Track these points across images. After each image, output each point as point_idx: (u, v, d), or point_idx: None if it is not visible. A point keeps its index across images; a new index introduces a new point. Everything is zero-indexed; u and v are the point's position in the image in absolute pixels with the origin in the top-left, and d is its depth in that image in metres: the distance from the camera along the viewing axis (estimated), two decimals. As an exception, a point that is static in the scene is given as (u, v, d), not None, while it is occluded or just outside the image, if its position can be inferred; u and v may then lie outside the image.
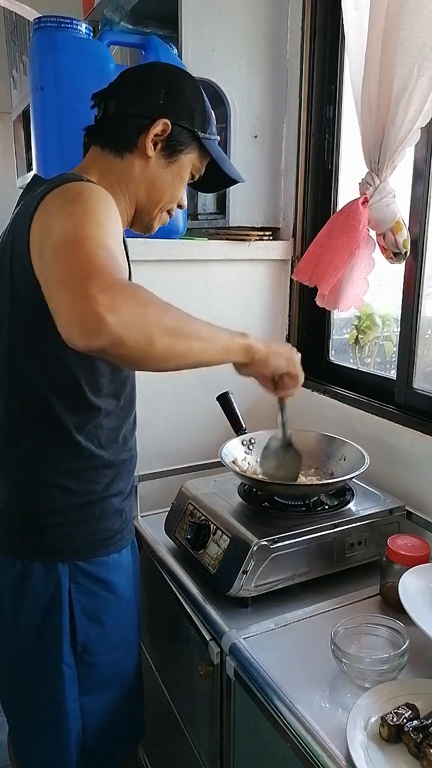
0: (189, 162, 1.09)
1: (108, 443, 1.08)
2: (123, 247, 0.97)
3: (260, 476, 1.31)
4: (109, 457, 1.08)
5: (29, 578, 1.05)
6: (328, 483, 1.27)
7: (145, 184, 1.06)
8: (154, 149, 1.04)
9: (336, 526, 1.20)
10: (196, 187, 1.21)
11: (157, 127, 1.02)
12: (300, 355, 1.12)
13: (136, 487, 1.49)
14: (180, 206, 1.14)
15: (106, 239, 0.82)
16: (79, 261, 0.77)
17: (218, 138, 1.13)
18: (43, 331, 0.96)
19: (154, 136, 1.03)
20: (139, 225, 1.14)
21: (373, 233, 1.40)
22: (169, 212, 1.14)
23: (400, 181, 1.35)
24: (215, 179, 1.16)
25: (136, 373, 1.64)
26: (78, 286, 0.74)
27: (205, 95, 1.10)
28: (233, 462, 1.34)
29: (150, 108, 1.03)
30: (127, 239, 1.42)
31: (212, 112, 1.11)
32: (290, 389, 1.12)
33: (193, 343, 0.84)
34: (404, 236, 1.35)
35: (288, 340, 1.85)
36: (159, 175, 1.07)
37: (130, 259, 1.06)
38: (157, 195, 1.08)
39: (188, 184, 1.15)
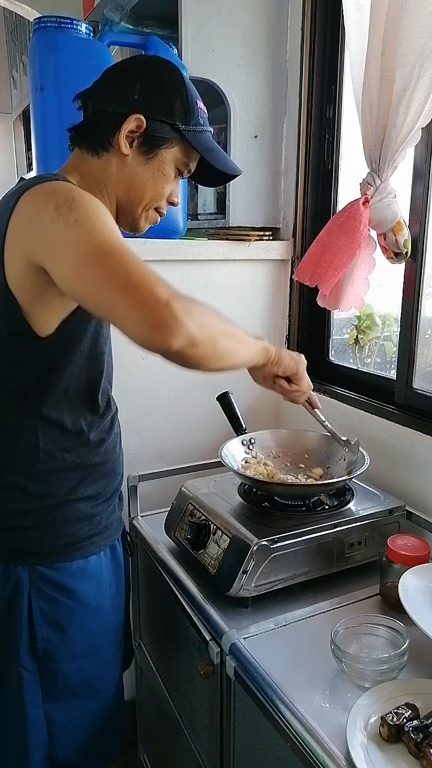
0: (171, 157, 1.04)
1: (73, 446, 1.06)
2: None
3: (260, 476, 1.31)
4: (74, 460, 1.06)
5: None
6: (328, 483, 1.27)
7: (124, 182, 1.03)
8: (131, 146, 1.01)
9: (336, 526, 1.20)
10: (198, 181, 1.17)
11: (130, 124, 0.99)
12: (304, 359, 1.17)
13: (136, 487, 1.49)
14: (172, 203, 1.10)
15: (125, 241, 0.87)
16: (127, 269, 0.82)
17: (209, 129, 1.07)
18: (8, 332, 0.96)
19: (129, 132, 0.99)
20: (125, 224, 1.10)
21: (373, 233, 1.40)
22: (158, 210, 1.09)
23: (400, 181, 1.35)
24: (214, 172, 1.10)
25: (136, 370, 1.65)
26: (146, 294, 0.79)
27: (190, 85, 1.05)
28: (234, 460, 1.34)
29: (124, 104, 0.99)
30: (125, 239, 1.42)
31: (199, 102, 1.05)
32: (295, 390, 1.17)
33: (238, 345, 0.95)
34: (405, 236, 1.35)
35: (288, 340, 1.85)
36: (138, 173, 1.03)
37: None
38: (138, 193, 1.04)
39: (189, 178, 1.12)
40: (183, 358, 0.84)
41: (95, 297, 0.83)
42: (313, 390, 1.71)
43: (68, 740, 1.13)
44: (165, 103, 1.01)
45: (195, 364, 0.86)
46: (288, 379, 1.15)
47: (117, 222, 1.10)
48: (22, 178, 1.09)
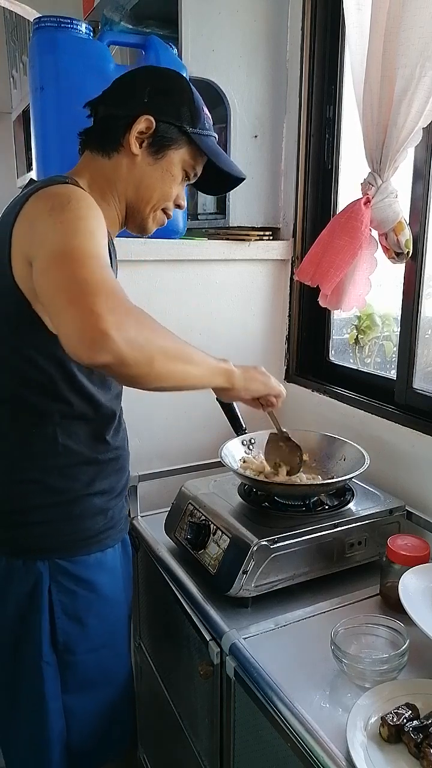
0: (179, 158, 1.08)
1: (89, 440, 1.08)
2: (109, 253, 0.98)
3: (260, 476, 1.31)
4: (90, 454, 1.08)
5: (11, 575, 1.06)
6: (328, 483, 1.27)
7: (134, 182, 1.06)
8: (140, 147, 1.04)
9: (336, 526, 1.20)
10: (201, 188, 1.20)
11: (140, 124, 1.02)
12: (272, 377, 1.17)
13: (136, 487, 1.49)
14: (178, 206, 1.13)
15: (101, 250, 0.86)
16: (81, 277, 0.79)
17: (214, 135, 1.12)
18: (20, 331, 0.98)
19: (139, 133, 1.03)
20: (132, 225, 1.13)
21: (375, 233, 1.40)
22: (165, 212, 1.13)
23: (400, 181, 1.35)
24: (219, 179, 1.15)
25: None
26: (84, 304, 0.77)
27: (197, 93, 1.09)
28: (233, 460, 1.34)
29: (134, 106, 1.03)
30: (125, 239, 1.43)
31: (205, 108, 1.10)
32: (271, 406, 1.19)
33: (187, 366, 0.91)
34: (406, 236, 1.35)
35: (288, 340, 1.85)
36: (147, 173, 1.06)
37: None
38: (147, 193, 1.08)
39: (192, 184, 1.15)
40: (114, 375, 0.83)
41: (49, 299, 0.83)
42: (314, 390, 1.73)
43: (84, 729, 1.15)
44: (173, 107, 1.05)
45: (129, 382, 0.84)
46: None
47: (126, 223, 1.13)
48: (32, 180, 1.10)
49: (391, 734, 0.83)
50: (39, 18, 1.43)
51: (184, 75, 1.51)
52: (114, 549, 1.15)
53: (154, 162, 1.06)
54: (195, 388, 0.98)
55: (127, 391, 1.61)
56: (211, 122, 1.12)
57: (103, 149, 1.05)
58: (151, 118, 1.03)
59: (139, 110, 1.03)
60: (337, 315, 1.80)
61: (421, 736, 0.81)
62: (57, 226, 0.86)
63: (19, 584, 1.06)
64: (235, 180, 1.16)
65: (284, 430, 1.32)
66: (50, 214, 0.88)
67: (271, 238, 1.76)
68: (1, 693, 1.13)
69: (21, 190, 1.09)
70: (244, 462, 1.38)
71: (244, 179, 1.17)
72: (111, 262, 1.00)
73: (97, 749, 1.19)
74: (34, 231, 0.89)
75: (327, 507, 1.27)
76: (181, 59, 1.55)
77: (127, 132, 1.03)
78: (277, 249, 1.77)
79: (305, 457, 1.41)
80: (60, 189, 0.94)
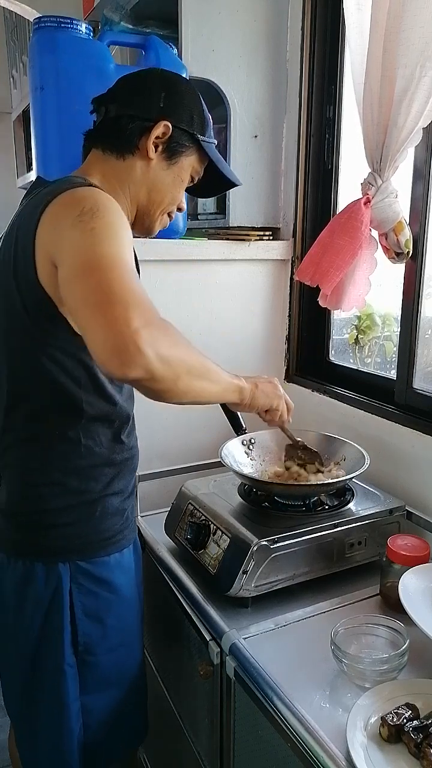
0: (189, 164, 1.10)
1: (108, 441, 1.08)
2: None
3: (260, 476, 1.31)
4: (110, 455, 1.09)
5: (31, 579, 1.05)
6: (328, 483, 1.27)
7: (147, 185, 1.08)
8: (156, 151, 1.06)
9: (336, 526, 1.20)
10: (193, 191, 1.21)
11: (159, 129, 1.04)
12: (280, 392, 1.19)
13: (136, 486, 1.49)
14: (179, 209, 1.15)
15: (130, 258, 0.87)
16: (115, 289, 0.80)
17: (215, 142, 1.14)
18: (43, 333, 0.98)
19: (156, 138, 1.04)
20: (140, 227, 1.14)
21: (375, 233, 1.40)
22: (169, 215, 1.14)
23: (400, 181, 1.35)
24: (212, 183, 1.17)
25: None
26: (120, 317, 0.78)
27: (202, 99, 1.11)
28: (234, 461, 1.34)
29: (151, 110, 1.04)
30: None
31: (209, 115, 1.12)
32: (277, 420, 1.22)
33: (205, 384, 0.93)
34: (406, 236, 1.35)
35: (288, 340, 1.85)
36: (160, 177, 1.08)
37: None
38: (159, 197, 1.10)
39: (185, 188, 1.16)
40: (142, 389, 0.85)
41: (76, 307, 0.84)
42: (314, 390, 1.73)
43: (101, 727, 1.15)
44: (187, 113, 1.07)
45: (155, 396, 0.86)
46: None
47: (133, 225, 1.13)
48: (39, 177, 1.10)
49: (391, 734, 0.83)
50: (39, 18, 1.43)
51: (184, 75, 1.51)
52: (129, 549, 1.16)
53: (167, 167, 1.08)
54: (210, 403, 1.02)
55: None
56: (212, 126, 1.14)
57: (117, 150, 1.06)
58: (169, 124, 1.04)
59: (157, 115, 1.04)
60: (337, 315, 1.80)
61: (421, 736, 0.81)
62: (86, 233, 0.86)
63: (40, 588, 1.05)
64: (230, 185, 1.19)
65: (299, 439, 1.35)
66: (80, 219, 0.87)
67: (271, 238, 1.76)
68: (24, 696, 1.13)
69: (28, 189, 1.09)
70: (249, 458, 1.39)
71: (238, 185, 1.19)
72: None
73: (111, 745, 1.19)
74: (61, 235, 0.89)
75: (327, 507, 1.27)
76: (181, 59, 1.55)
77: (144, 135, 1.04)
78: (277, 249, 1.76)
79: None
80: (86, 192, 0.94)
